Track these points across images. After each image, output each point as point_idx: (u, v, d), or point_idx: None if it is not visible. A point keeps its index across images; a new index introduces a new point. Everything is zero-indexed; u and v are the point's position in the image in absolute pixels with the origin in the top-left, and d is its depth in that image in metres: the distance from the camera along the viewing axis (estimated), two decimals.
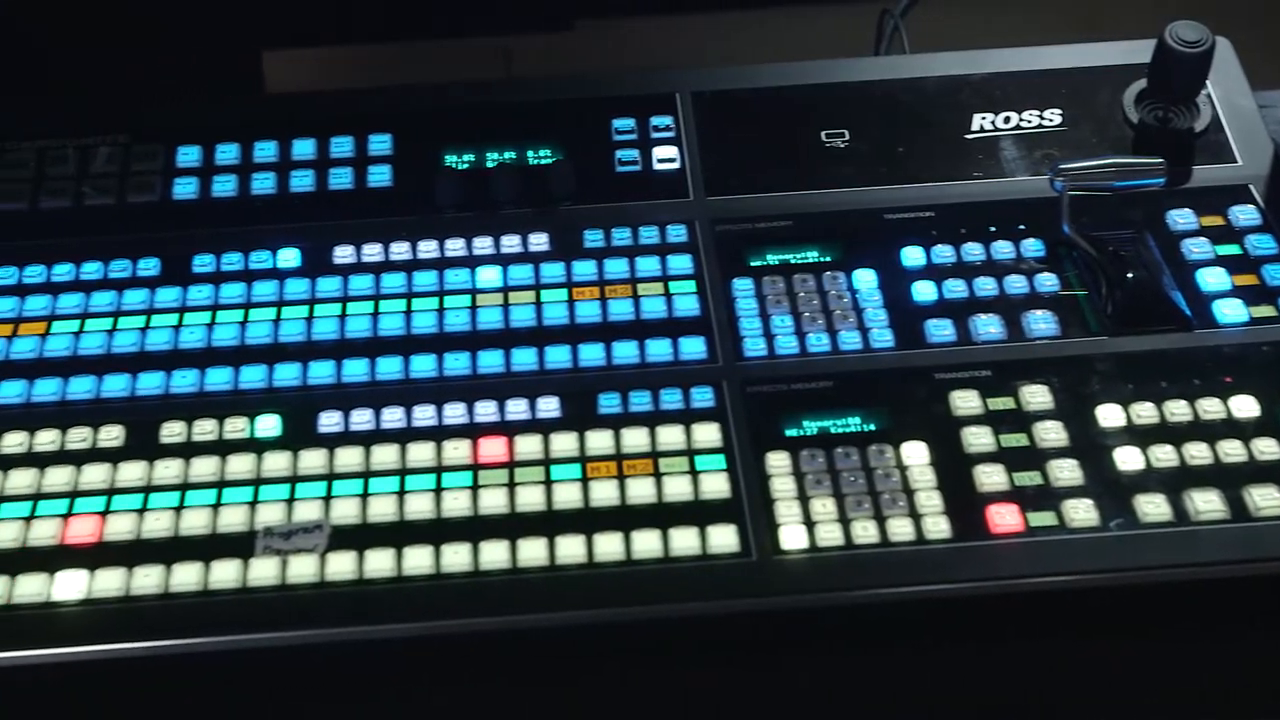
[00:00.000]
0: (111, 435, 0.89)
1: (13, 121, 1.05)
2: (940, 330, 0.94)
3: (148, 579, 0.82)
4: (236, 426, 0.89)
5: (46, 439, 0.89)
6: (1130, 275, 0.94)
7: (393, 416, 0.89)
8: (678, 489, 0.85)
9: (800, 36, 1.32)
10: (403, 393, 0.91)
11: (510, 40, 1.41)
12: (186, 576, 0.82)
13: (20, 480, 0.87)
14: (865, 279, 0.97)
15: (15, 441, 0.88)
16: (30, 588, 0.82)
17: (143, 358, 0.93)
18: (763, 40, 1.34)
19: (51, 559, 0.83)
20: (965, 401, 0.90)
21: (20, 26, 1.28)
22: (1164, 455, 0.86)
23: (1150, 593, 0.83)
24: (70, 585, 0.82)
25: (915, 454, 0.87)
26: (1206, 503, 0.84)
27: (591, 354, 0.93)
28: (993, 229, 0.99)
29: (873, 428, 0.89)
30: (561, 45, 1.40)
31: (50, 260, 0.98)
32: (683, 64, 1.20)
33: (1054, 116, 1.05)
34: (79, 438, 0.89)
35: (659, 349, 0.93)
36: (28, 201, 1.01)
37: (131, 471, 0.87)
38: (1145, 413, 0.89)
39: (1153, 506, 0.84)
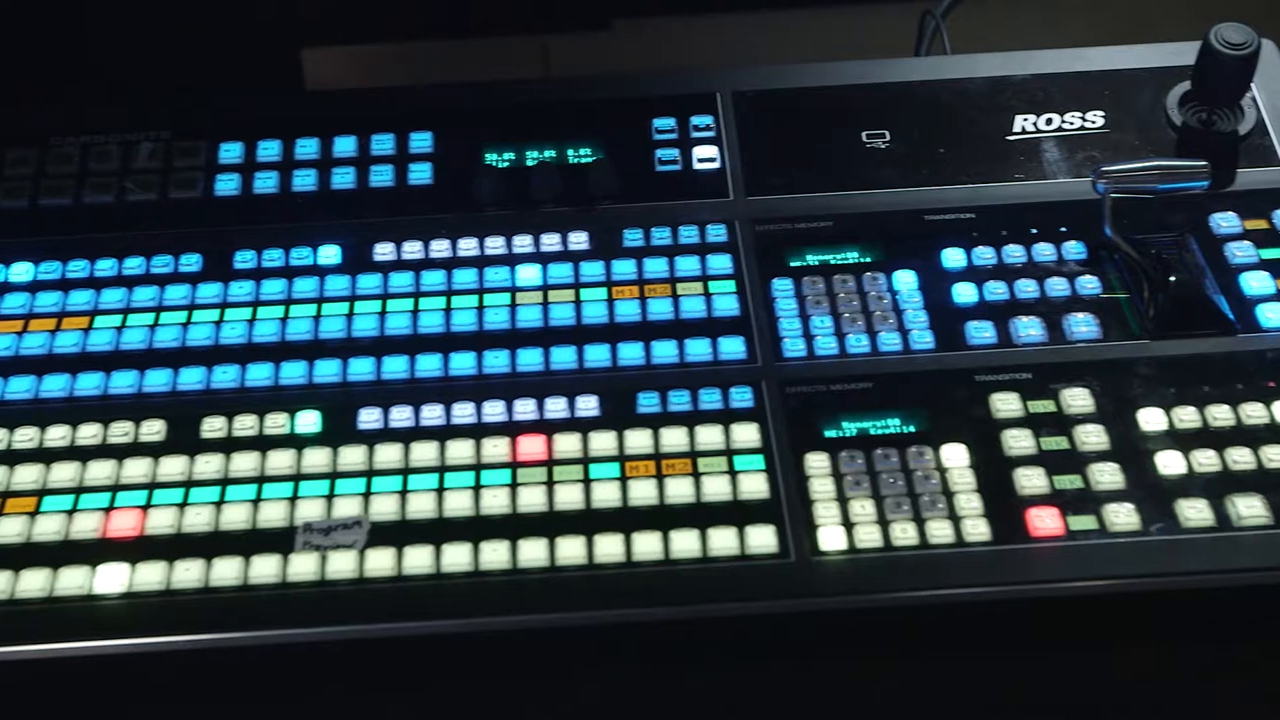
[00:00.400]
0: (153, 430, 0.89)
1: (57, 117, 1.06)
2: (981, 332, 0.93)
3: (188, 573, 0.82)
4: (277, 422, 0.90)
5: (89, 433, 0.89)
6: (1173, 279, 0.94)
7: (432, 414, 0.90)
8: (716, 489, 0.85)
9: (841, 36, 1.32)
10: (442, 390, 0.91)
11: (548, 39, 1.41)
12: (226, 571, 0.82)
13: (62, 474, 0.87)
14: (905, 280, 0.97)
15: (58, 435, 0.89)
16: (72, 580, 0.82)
17: (184, 353, 0.94)
18: (803, 40, 1.34)
19: (93, 552, 0.84)
20: (1005, 404, 0.89)
21: (63, 24, 1.29)
22: (1206, 460, 0.86)
23: (1191, 598, 0.82)
24: (111, 578, 0.82)
25: (955, 456, 0.87)
26: (1249, 508, 0.83)
27: (630, 353, 0.93)
28: (1034, 231, 0.99)
29: (912, 429, 0.88)
30: (599, 44, 1.40)
31: (93, 255, 0.99)
32: (719, 63, 1.19)
33: (1096, 118, 1.04)
34: (121, 432, 0.89)
35: (698, 349, 0.93)
36: (71, 197, 1.02)
37: (172, 466, 0.88)
38: (1187, 417, 0.88)
39: (1194, 511, 0.83)
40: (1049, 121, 1.04)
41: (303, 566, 0.82)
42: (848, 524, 0.84)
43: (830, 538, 0.83)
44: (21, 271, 0.98)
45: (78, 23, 1.30)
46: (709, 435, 0.88)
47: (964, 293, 0.96)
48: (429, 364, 0.92)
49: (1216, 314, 0.93)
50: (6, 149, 1.04)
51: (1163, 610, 0.82)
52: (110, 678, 0.82)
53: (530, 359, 0.93)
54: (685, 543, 0.83)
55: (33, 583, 0.82)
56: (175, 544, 0.84)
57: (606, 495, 0.85)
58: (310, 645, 0.81)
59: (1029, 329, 0.93)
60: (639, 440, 0.88)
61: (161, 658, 0.81)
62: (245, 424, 0.90)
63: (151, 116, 1.06)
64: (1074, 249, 0.98)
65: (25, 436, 0.89)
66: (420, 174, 1.03)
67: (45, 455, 0.88)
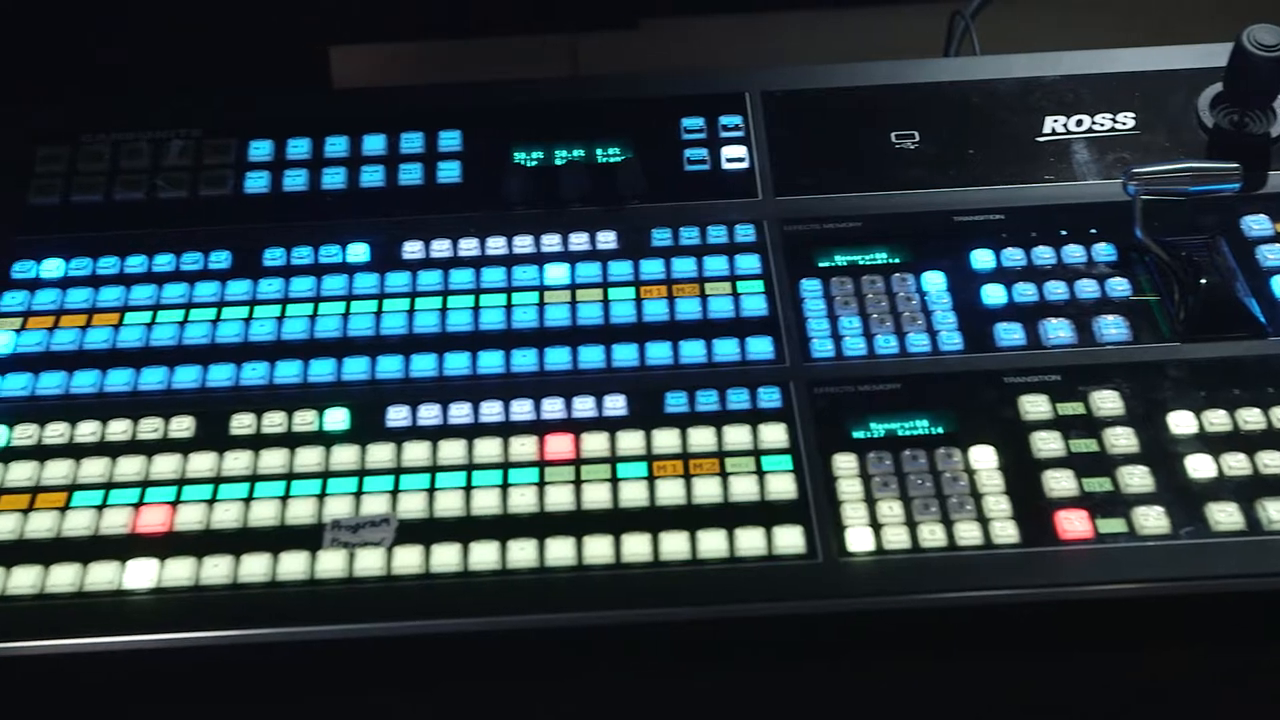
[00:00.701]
0: (182, 426, 0.90)
1: (89, 115, 1.06)
2: (1010, 334, 0.93)
3: (217, 569, 0.83)
4: (305, 419, 0.90)
5: (119, 429, 0.90)
6: (1203, 281, 0.93)
7: (460, 412, 0.90)
8: (744, 489, 0.85)
9: (870, 36, 1.32)
10: (470, 388, 0.91)
11: (576, 38, 1.41)
12: (255, 568, 0.83)
13: (92, 469, 0.88)
14: (934, 281, 0.96)
15: (88, 431, 0.89)
16: (102, 576, 0.83)
17: (214, 350, 0.94)
18: (831, 40, 1.34)
19: (123, 548, 0.84)
20: (1034, 406, 0.89)
21: (92, 24, 1.30)
22: (1236, 464, 0.85)
23: (1221, 601, 0.82)
24: (141, 574, 0.83)
25: (983, 458, 0.86)
26: None
27: (658, 353, 0.93)
28: (1064, 233, 0.98)
29: (940, 431, 0.88)
30: (626, 43, 1.40)
31: (124, 252, 0.99)
32: (746, 64, 1.19)
33: (1127, 120, 1.04)
34: (150, 428, 0.90)
35: (726, 348, 0.93)
36: (103, 193, 1.03)
37: (202, 462, 0.88)
38: (1218, 420, 0.88)
39: (1225, 515, 0.83)
40: (1079, 123, 1.04)
41: (331, 564, 0.83)
42: (875, 525, 0.84)
43: (858, 539, 0.83)
44: (53, 268, 0.99)
45: (107, 22, 1.30)
46: (737, 435, 0.88)
47: (993, 294, 0.95)
48: (457, 362, 0.93)
49: (1247, 317, 0.93)
50: (38, 146, 1.04)
51: (1192, 613, 0.82)
52: (138, 672, 0.82)
53: (558, 358, 0.93)
54: (712, 543, 0.83)
55: (63, 577, 0.82)
56: (204, 540, 0.84)
57: (634, 495, 0.85)
58: (339, 643, 0.81)
59: (1058, 331, 0.93)
60: (667, 440, 0.88)
61: (190, 653, 0.81)
62: (274, 421, 0.90)
63: (182, 114, 1.07)
64: (1104, 251, 0.97)
65: (56, 432, 0.89)
66: (449, 172, 1.03)
67: (75, 451, 0.89)
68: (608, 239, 0.99)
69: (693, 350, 0.93)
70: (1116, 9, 1.35)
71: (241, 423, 0.90)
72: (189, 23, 1.31)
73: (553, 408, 0.90)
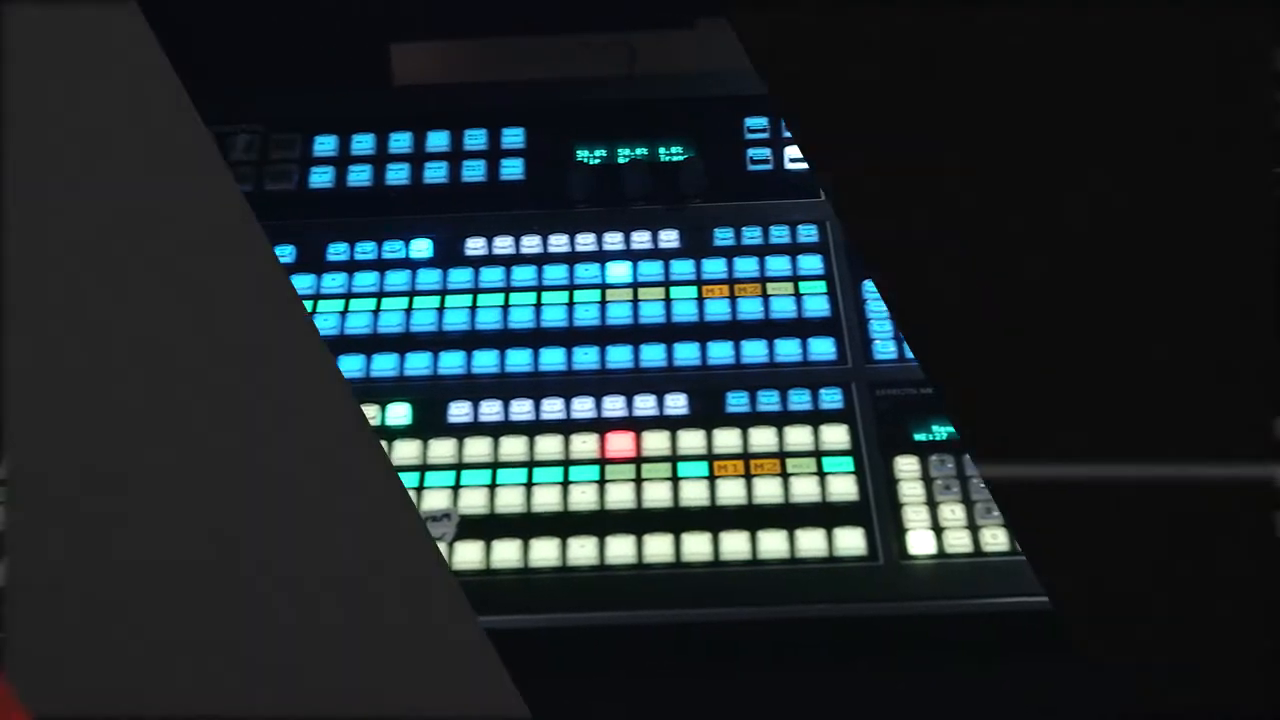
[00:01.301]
0: None
1: None
2: None
3: None
4: (368, 414, 0.90)
5: None
6: None
7: (521, 409, 0.90)
8: (805, 490, 0.85)
9: None
10: (531, 385, 0.92)
11: (633, 36, 1.41)
12: None
13: None
14: None
15: None
16: None
17: None
18: None
19: None
20: None
21: (160, 20, 1.31)
22: None
23: None
24: None
25: None
26: None
27: (720, 352, 0.93)
28: None
29: None
30: (683, 43, 1.40)
31: None
32: None
33: None
34: None
35: (788, 349, 0.93)
36: None
37: None
38: None
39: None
40: None
41: None
42: (937, 528, 0.83)
43: (919, 542, 0.83)
44: None
45: (175, 19, 1.31)
46: (798, 436, 0.88)
47: None
48: (519, 359, 0.93)
49: None
50: None
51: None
52: None
53: (620, 356, 0.93)
54: (773, 543, 0.83)
55: None
56: None
57: (694, 494, 0.85)
58: None
59: None
60: (727, 439, 0.88)
61: None
62: None
63: (247, 110, 1.07)
64: None
65: None
66: (512, 169, 1.04)
67: None
68: (670, 238, 0.99)
69: (754, 350, 0.93)
70: None
71: None
72: (251, 21, 1.32)
73: (614, 406, 0.90)
